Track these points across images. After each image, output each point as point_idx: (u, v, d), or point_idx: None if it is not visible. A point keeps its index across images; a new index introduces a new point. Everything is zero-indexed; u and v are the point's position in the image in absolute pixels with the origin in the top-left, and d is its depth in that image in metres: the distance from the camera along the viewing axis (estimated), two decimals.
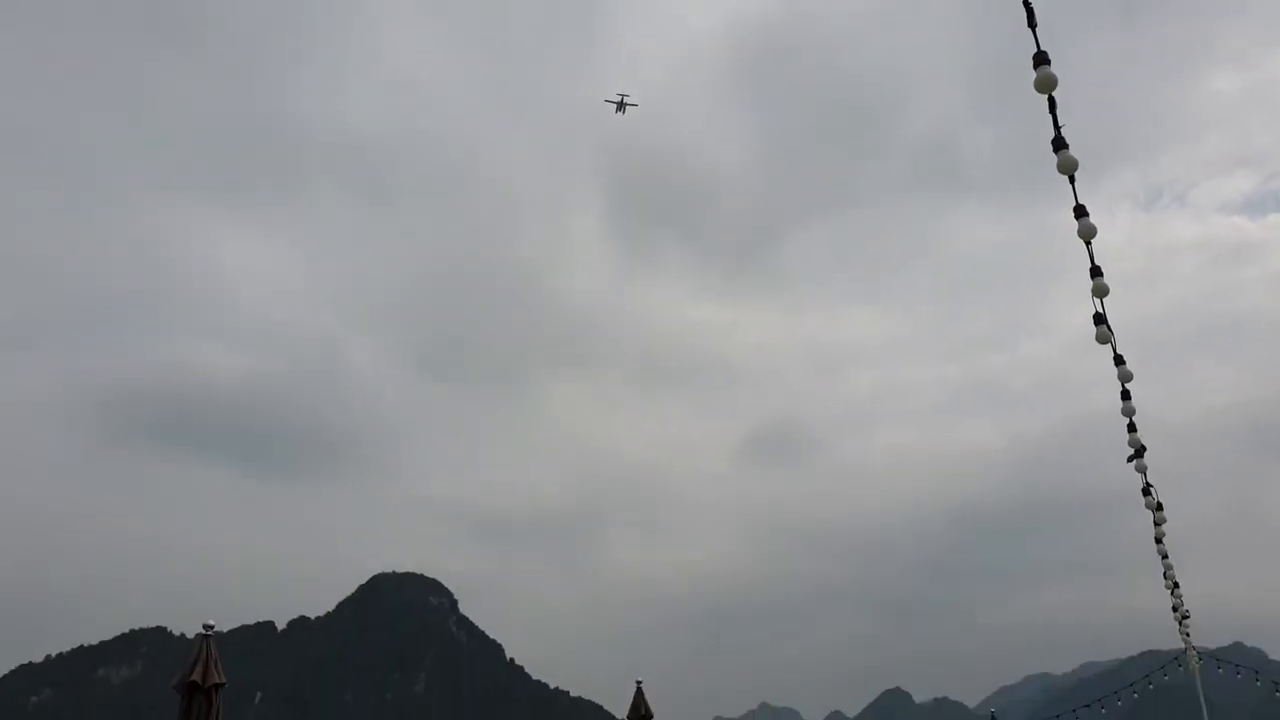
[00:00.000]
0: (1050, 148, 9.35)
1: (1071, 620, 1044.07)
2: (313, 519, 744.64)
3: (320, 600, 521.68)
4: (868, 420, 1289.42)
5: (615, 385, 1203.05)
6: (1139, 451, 10.80)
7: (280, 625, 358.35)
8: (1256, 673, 47.59)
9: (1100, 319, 9.82)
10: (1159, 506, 12.00)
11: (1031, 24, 8.54)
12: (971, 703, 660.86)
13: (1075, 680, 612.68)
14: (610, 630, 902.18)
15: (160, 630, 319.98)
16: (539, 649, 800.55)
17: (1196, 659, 32.29)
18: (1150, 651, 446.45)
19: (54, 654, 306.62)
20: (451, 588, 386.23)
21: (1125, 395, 10.29)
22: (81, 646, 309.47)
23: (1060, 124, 9.22)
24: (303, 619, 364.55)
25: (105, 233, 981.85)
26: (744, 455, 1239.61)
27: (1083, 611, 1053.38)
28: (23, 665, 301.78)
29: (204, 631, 13.31)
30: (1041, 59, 8.83)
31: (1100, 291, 9.77)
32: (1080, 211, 9.66)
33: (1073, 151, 9.19)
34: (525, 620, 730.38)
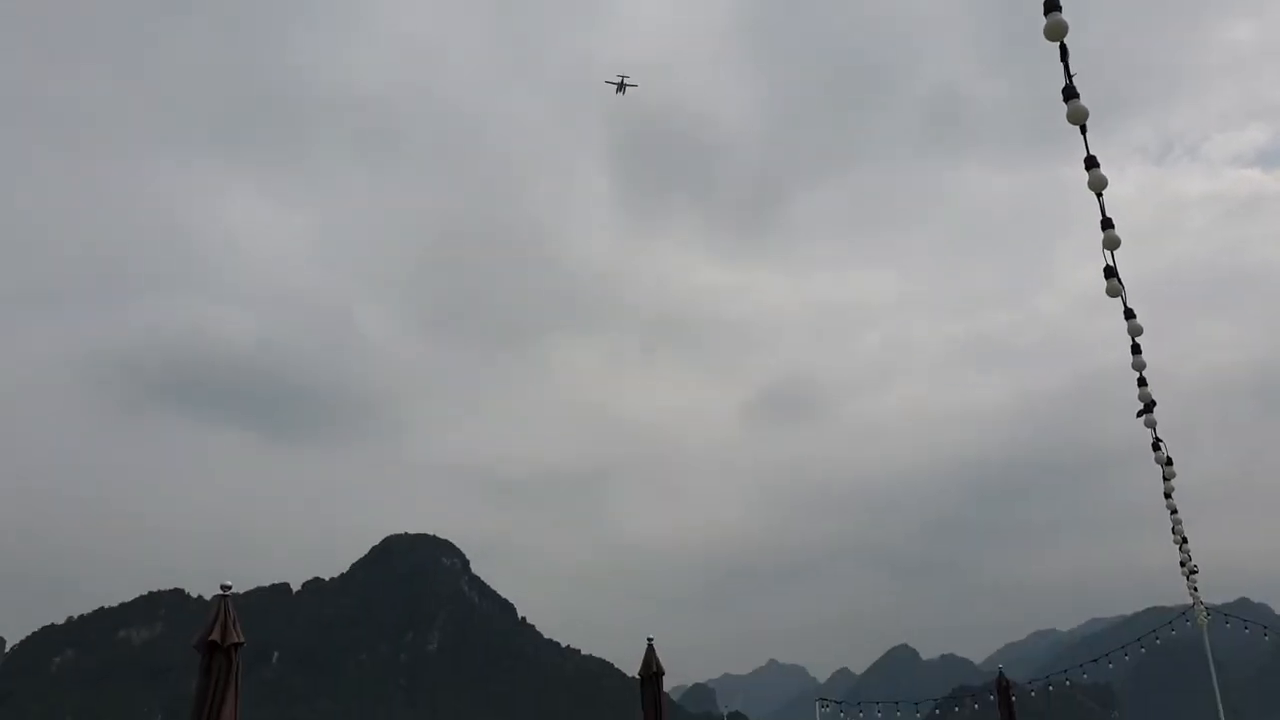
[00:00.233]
0: (1060, 98, 9.17)
1: (1077, 577, 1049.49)
2: (325, 481, 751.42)
3: (334, 562, 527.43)
4: (876, 379, 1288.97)
5: (624, 347, 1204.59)
6: (1149, 406, 10.71)
7: (295, 587, 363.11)
8: (1265, 628, 47.73)
9: (1111, 272, 9.70)
10: (1168, 461, 11.92)
11: None
12: (978, 659, 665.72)
13: (1080, 636, 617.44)
14: (620, 590, 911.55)
15: (178, 592, 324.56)
16: (550, 608, 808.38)
17: (1205, 614, 32.38)
18: (1156, 608, 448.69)
19: (75, 616, 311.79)
20: (463, 548, 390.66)
21: (1135, 349, 10.19)
22: (102, 608, 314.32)
23: (1071, 72, 9.05)
24: (317, 580, 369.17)
25: (116, 197, 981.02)
26: (753, 416, 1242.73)
27: (1088, 568, 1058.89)
28: (45, 627, 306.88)
29: (222, 592, 13.42)
30: (1052, 4, 8.64)
31: (1111, 244, 9.64)
32: (1091, 162, 9.50)
33: (1082, 103, 9.02)
34: (537, 580, 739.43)
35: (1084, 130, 9.48)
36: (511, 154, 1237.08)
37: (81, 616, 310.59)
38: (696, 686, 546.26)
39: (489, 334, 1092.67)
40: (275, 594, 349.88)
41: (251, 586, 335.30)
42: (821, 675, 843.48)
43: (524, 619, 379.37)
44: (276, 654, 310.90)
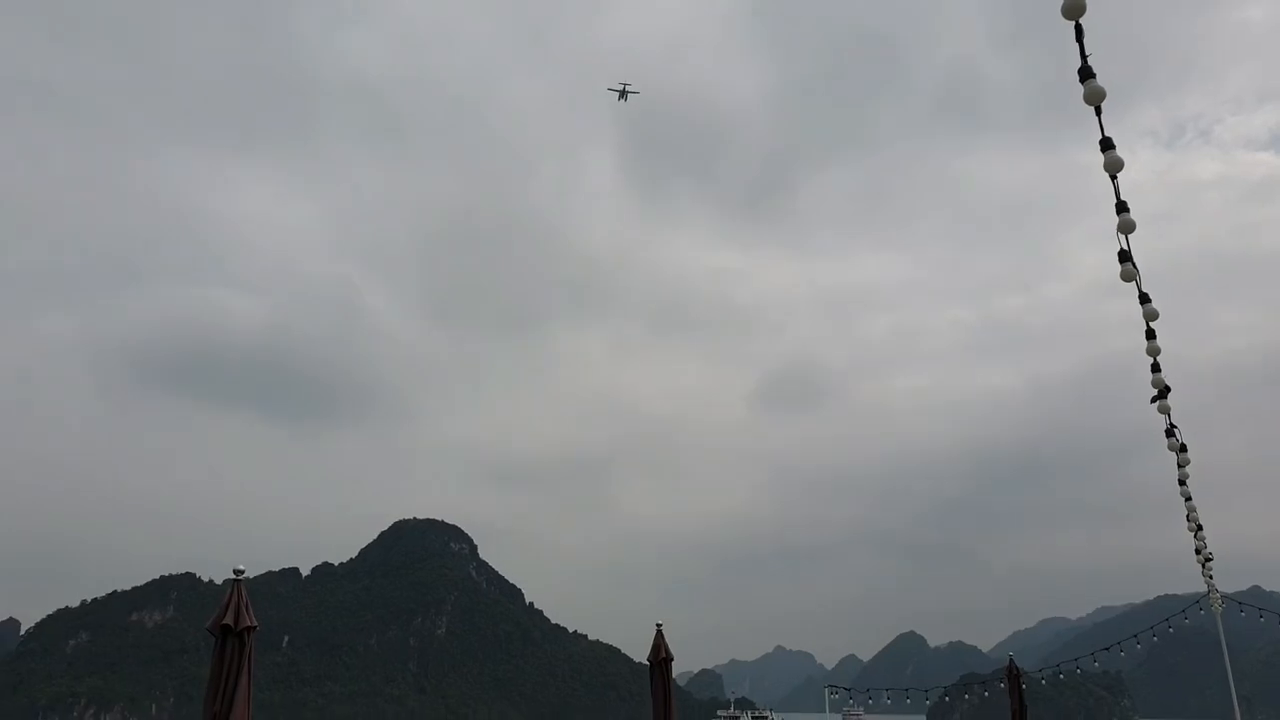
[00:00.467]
0: (1073, 80, 9.06)
1: (1086, 565, 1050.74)
2: (335, 466, 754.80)
3: (343, 546, 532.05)
4: (884, 365, 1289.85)
5: (631, 331, 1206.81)
6: (1163, 392, 10.61)
7: (305, 571, 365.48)
8: None
9: (1125, 256, 9.57)
10: (1183, 448, 11.80)
11: None
12: (985, 647, 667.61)
13: (1090, 624, 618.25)
14: (626, 575, 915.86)
15: (190, 576, 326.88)
16: (557, 593, 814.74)
17: (1220, 602, 32.09)
18: (1167, 596, 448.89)
19: (89, 599, 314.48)
20: (470, 533, 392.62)
21: (1150, 334, 10.08)
22: (115, 591, 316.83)
23: (1088, 53, 8.93)
24: (327, 565, 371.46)
25: (127, 185, 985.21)
26: (760, 401, 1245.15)
27: (1097, 556, 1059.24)
28: (60, 610, 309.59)
29: (235, 576, 13.52)
30: None
31: (1126, 228, 9.51)
32: (1107, 144, 9.37)
33: (1083, 80, 8.91)
34: (543, 565, 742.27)
35: (1099, 111, 9.35)
36: (519, 140, 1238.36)
37: (95, 599, 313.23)
38: (703, 672, 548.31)
39: (497, 320, 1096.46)
40: (286, 578, 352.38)
41: (262, 571, 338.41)
42: (829, 661, 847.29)
43: (531, 604, 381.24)
44: (287, 637, 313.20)
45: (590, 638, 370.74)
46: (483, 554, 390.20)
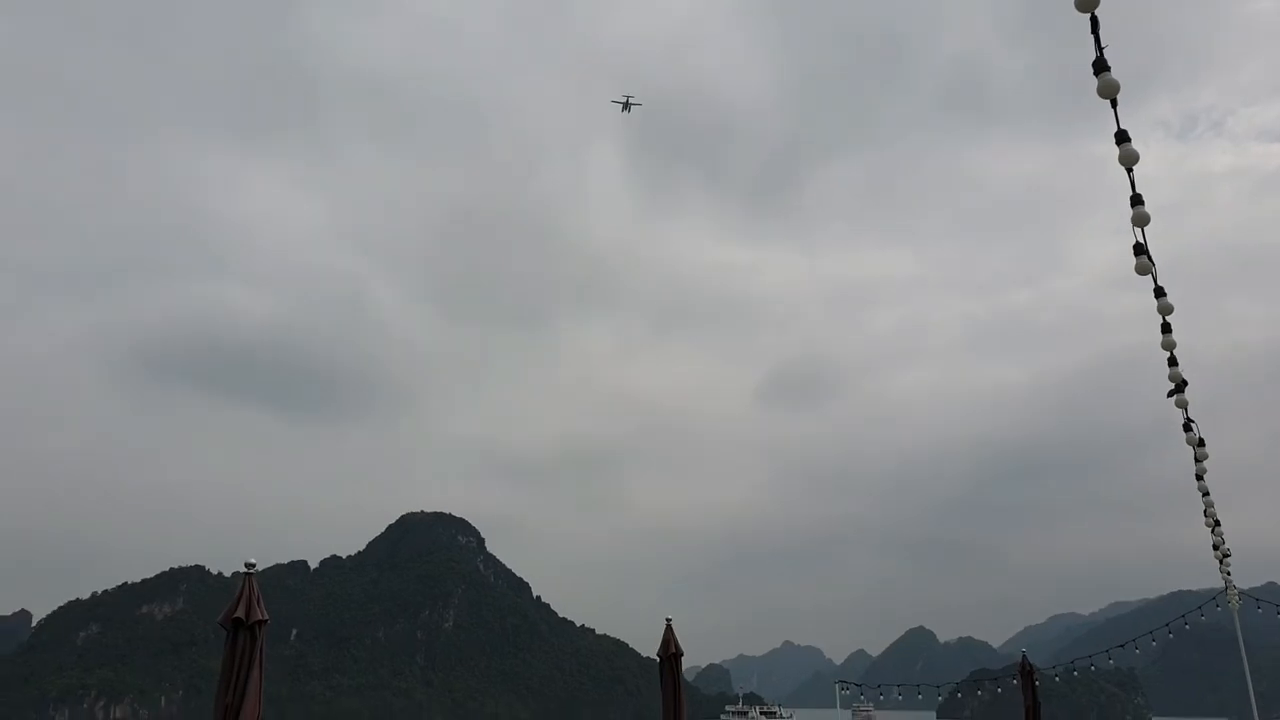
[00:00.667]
0: (1084, 73, 8.97)
1: (1097, 559, 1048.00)
2: (342, 459, 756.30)
3: (351, 539, 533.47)
4: (891, 360, 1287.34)
5: (638, 326, 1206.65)
6: (1180, 386, 10.51)
7: (313, 564, 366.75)
8: None
9: (1141, 249, 9.48)
10: (1200, 443, 11.70)
11: None
12: (996, 643, 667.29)
13: (1102, 620, 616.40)
14: (634, 570, 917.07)
15: (199, 569, 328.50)
16: (564, 587, 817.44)
17: (1237, 598, 31.80)
18: (1181, 591, 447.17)
19: (99, 591, 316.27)
20: (479, 526, 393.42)
21: (1166, 328, 9.98)
22: (125, 584, 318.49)
23: (1103, 44, 8.84)
24: (335, 558, 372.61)
25: (135, 181, 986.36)
26: (767, 396, 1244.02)
27: (1109, 551, 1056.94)
28: (71, 602, 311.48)
29: (246, 569, 13.53)
30: None
31: (1141, 220, 9.42)
32: (1122, 137, 9.29)
33: (1098, 73, 8.83)
34: (550, 559, 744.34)
35: (1114, 104, 9.27)
36: (526, 135, 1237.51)
37: (105, 592, 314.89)
38: (711, 667, 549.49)
39: (504, 314, 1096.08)
40: (294, 570, 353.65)
41: (270, 564, 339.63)
42: (837, 657, 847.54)
43: (539, 597, 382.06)
44: (295, 630, 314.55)
45: (598, 632, 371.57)
46: (490, 547, 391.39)
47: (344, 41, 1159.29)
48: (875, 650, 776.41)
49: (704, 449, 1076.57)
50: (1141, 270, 9.44)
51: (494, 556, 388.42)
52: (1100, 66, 8.80)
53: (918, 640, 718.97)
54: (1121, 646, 36.33)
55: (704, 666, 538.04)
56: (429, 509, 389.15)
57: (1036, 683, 27.63)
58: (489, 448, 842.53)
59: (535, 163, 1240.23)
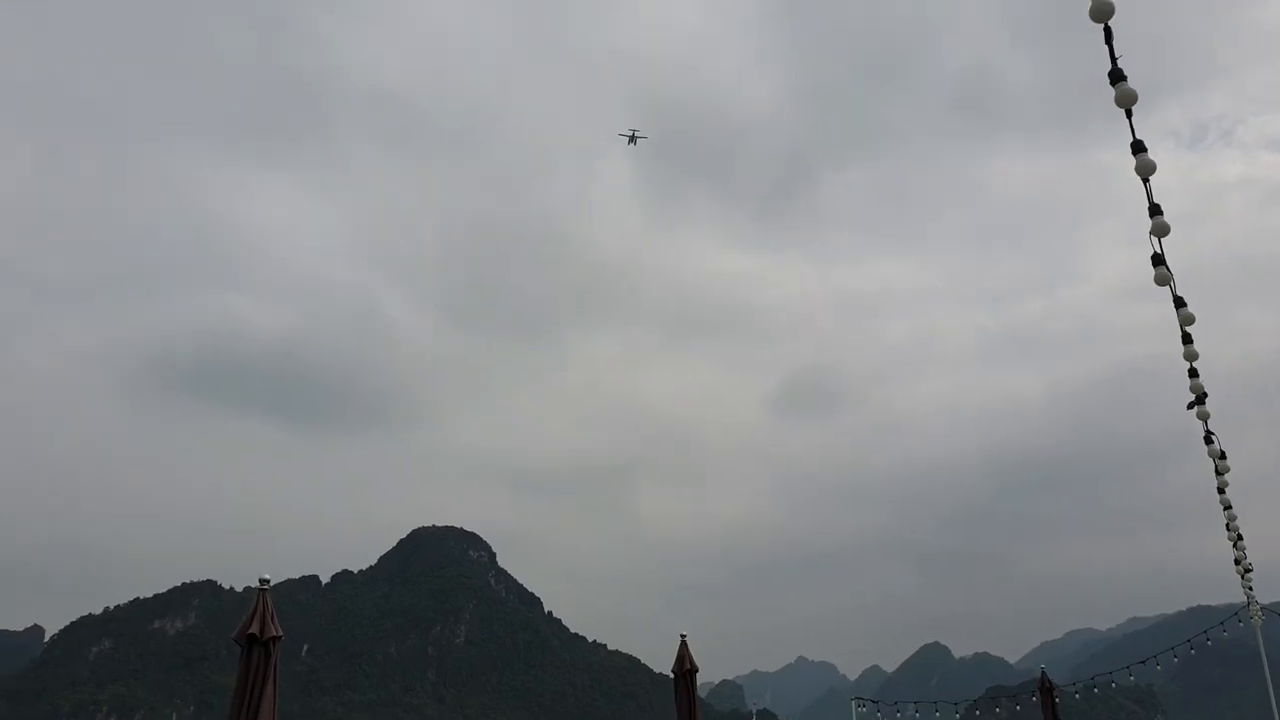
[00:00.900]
0: (1095, 80, 8.96)
1: (1114, 574, 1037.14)
2: (353, 472, 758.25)
3: (363, 553, 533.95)
4: (903, 370, 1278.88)
5: (648, 336, 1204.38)
6: (1200, 398, 10.42)
7: (325, 579, 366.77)
8: None
9: (1160, 259, 9.44)
10: (1222, 455, 11.59)
11: None
12: (1012, 658, 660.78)
13: (1120, 635, 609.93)
14: (645, 583, 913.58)
15: (211, 583, 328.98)
16: (574, 600, 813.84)
17: (1260, 613, 31.38)
18: (1200, 607, 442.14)
19: (112, 606, 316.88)
20: (489, 540, 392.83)
21: (1186, 339, 9.91)
22: (137, 599, 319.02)
23: (1117, 55, 8.82)
24: (346, 572, 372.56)
25: (146, 192, 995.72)
26: (777, 407, 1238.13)
27: (1126, 565, 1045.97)
28: (83, 617, 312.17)
29: (260, 585, 13.52)
30: None
31: (1160, 231, 9.38)
32: (1138, 146, 9.26)
33: (1114, 83, 8.81)
34: (559, 573, 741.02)
35: (1130, 114, 9.24)
36: (536, 145, 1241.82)
37: (118, 607, 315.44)
38: (724, 683, 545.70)
39: (513, 325, 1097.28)
40: (305, 586, 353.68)
41: (282, 578, 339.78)
42: (851, 672, 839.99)
43: (550, 612, 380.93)
44: (306, 646, 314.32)
45: (610, 647, 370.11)
46: (501, 562, 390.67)
47: (353, 52, 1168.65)
48: (890, 666, 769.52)
49: (714, 460, 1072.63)
50: (1161, 281, 9.38)
51: (505, 571, 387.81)
52: (1116, 77, 8.78)
53: (933, 656, 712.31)
54: (1143, 663, 35.87)
55: (717, 682, 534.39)
56: (440, 523, 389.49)
57: (1056, 700, 27.27)
58: (500, 459, 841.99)
59: (545, 172, 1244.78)
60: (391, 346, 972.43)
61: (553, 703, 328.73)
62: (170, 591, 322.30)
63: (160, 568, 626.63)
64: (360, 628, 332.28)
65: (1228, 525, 15.93)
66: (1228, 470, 12.28)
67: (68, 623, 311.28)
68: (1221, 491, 13.32)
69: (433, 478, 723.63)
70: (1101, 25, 8.76)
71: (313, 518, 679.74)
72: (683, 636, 18.28)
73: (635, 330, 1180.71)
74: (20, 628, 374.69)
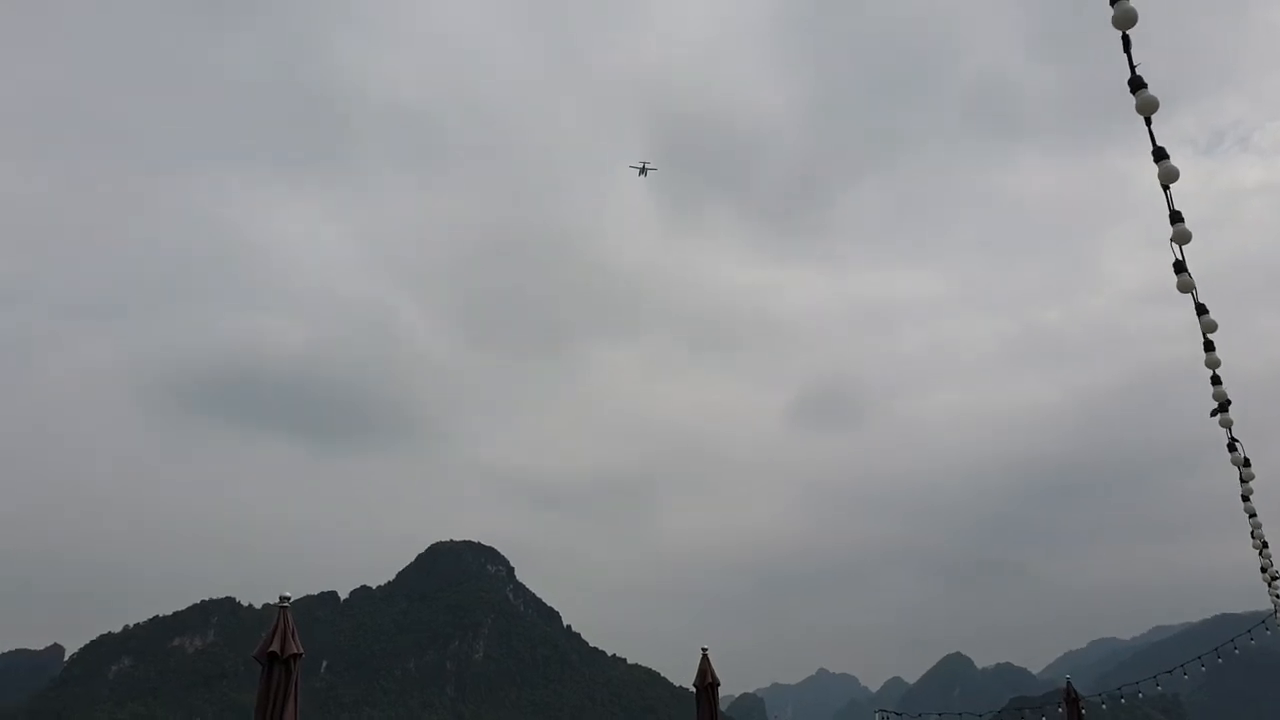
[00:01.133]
0: (1111, 90, 8.93)
1: (1137, 582, 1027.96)
2: (372, 487, 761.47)
3: (381, 569, 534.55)
4: (922, 379, 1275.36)
5: (666, 349, 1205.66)
6: (1224, 405, 10.33)
7: (343, 594, 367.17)
8: None
9: (1181, 266, 9.37)
10: (1246, 463, 11.48)
11: None
12: (1035, 669, 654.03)
13: (1145, 645, 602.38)
14: (665, 595, 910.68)
15: (230, 600, 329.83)
16: (594, 615, 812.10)
17: None
18: (1225, 615, 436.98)
19: (131, 624, 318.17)
20: (508, 555, 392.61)
21: (1209, 346, 9.82)
22: (157, 617, 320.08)
23: (1135, 63, 8.79)
24: (365, 588, 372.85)
25: (167, 210, 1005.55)
26: (796, 418, 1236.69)
27: (1150, 574, 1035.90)
28: (103, 635, 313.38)
29: (281, 603, 13.56)
30: None
31: (1182, 238, 9.31)
32: (1160, 154, 9.20)
33: (1135, 91, 8.76)
34: (578, 586, 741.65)
35: (1149, 122, 9.20)
36: (552, 159, 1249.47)
37: (137, 625, 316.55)
38: (745, 696, 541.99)
39: (532, 340, 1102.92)
40: (324, 601, 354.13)
41: (301, 595, 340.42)
42: (873, 684, 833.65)
43: (569, 626, 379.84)
44: (325, 662, 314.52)
45: (629, 661, 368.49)
46: (520, 576, 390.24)
47: (374, 72, 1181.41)
48: (911, 677, 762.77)
49: (734, 472, 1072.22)
50: (1183, 288, 9.32)
51: (523, 585, 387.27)
52: (1137, 84, 8.74)
53: (955, 666, 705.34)
54: (1169, 672, 35.43)
55: (738, 695, 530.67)
56: (458, 537, 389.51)
57: (1083, 710, 26.93)
58: (518, 474, 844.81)
59: (562, 187, 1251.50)
60: (410, 362, 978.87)
61: (572, 717, 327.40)
62: (189, 609, 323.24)
63: (179, 585, 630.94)
64: (379, 643, 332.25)
65: (1253, 533, 15.78)
66: (1252, 478, 12.15)
67: (87, 641, 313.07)
68: (1246, 499, 13.20)
69: (451, 492, 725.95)
70: (1120, 33, 8.73)
71: (331, 533, 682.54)
72: (704, 650, 18.21)
73: (653, 343, 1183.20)
74: (40, 647, 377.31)
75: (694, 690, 18.52)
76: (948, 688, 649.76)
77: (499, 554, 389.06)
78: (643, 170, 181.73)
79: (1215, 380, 10.20)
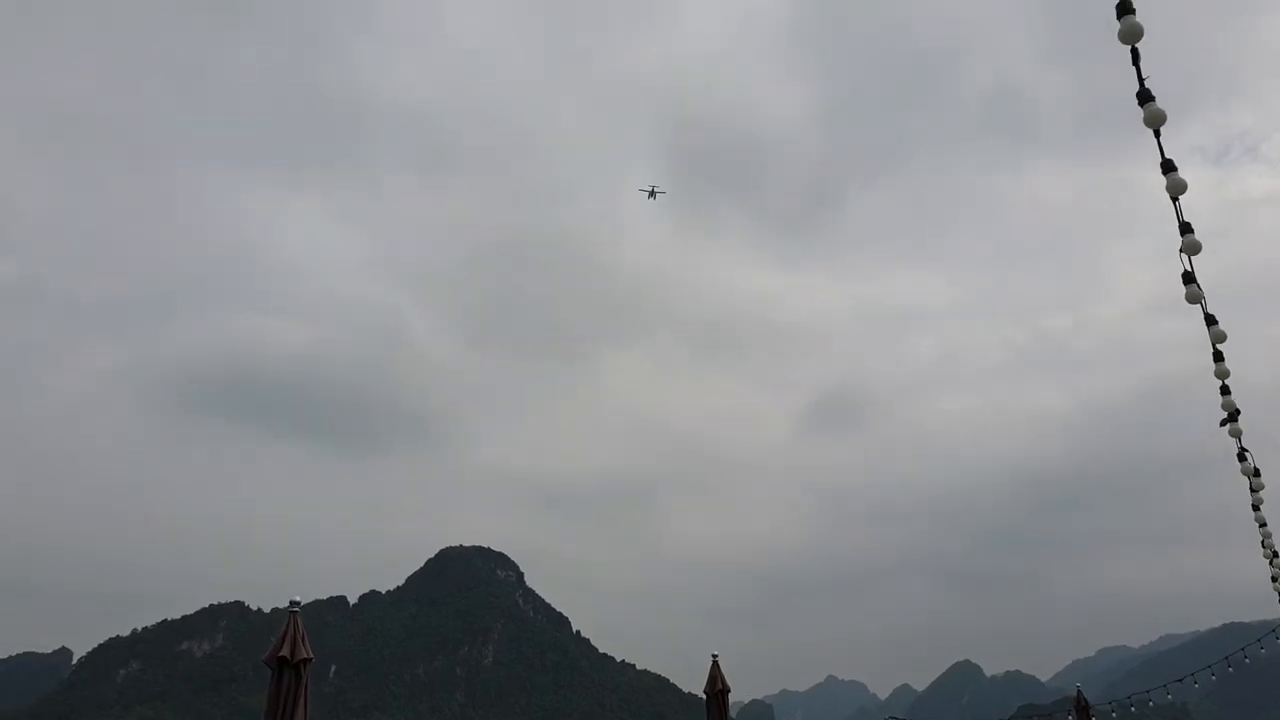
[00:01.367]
0: (1121, 100, 8.97)
1: (1145, 591, 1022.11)
2: (380, 492, 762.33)
3: (390, 573, 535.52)
4: (931, 386, 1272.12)
5: (677, 354, 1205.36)
6: (1233, 415, 10.35)
7: (352, 599, 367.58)
8: None
9: (1190, 277, 9.41)
10: (1256, 472, 11.50)
11: None
12: (1044, 676, 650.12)
13: (1153, 653, 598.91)
14: (673, 602, 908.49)
15: (238, 605, 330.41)
16: (604, 621, 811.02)
17: None
18: (1233, 623, 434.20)
19: (139, 628, 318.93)
20: (517, 559, 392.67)
21: (1218, 357, 9.85)
22: (165, 620, 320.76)
23: (1144, 75, 8.83)
24: (374, 593, 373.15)
25: (176, 213, 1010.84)
26: (805, 424, 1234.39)
27: (1158, 582, 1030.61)
28: (111, 639, 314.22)
29: (291, 608, 13.62)
30: (1126, 8, 8.44)
31: (1191, 249, 9.35)
32: (1169, 166, 9.25)
33: (1143, 104, 8.82)
34: (586, 592, 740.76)
35: (1158, 134, 9.25)
36: (561, 163, 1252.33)
37: (145, 629, 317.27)
38: (754, 702, 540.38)
39: (541, 344, 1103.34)
40: (333, 607, 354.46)
41: (310, 599, 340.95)
42: (882, 691, 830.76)
43: (578, 632, 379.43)
44: (334, 667, 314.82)
45: (638, 667, 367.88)
46: (529, 581, 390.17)
47: (384, 75, 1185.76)
48: (920, 684, 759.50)
49: (741, 476, 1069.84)
50: (1192, 299, 9.35)
51: (533, 590, 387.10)
52: (1145, 97, 8.78)
53: (963, 674, 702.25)
54: (1180, 681, 35.26)
55: (746, 702, 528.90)
56: (467, 542, 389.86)
57: (1093, 718, 26.83)
58: (526, 478, 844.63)
59: (572, 191, 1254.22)
60: (419, 365, 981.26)
61: None
62: (198, 613, 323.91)
63: (187, 589, 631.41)
64: (388, 648, 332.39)
65: (1263, 542, 15.78)
66: (1262, 487, 12.17)
67: (95, 645, 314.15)
68: (1257, 508, 13.21)
69: (460, 497, 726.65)
70: (1122, 48, 8.79)
71: (340, 538, 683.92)
72: (714, 657, 18.22)
73: (663, 347, 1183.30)
74: (48, 650, 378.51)
75: (704, 697, 18.54)
76: (956, 695, 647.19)
77: (508, 559, 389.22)
78: (651, 194, 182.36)
79: (1225, 390, 10.22)
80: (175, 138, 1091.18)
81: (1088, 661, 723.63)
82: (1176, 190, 9.05)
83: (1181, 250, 9.36)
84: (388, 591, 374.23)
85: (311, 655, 13.76)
